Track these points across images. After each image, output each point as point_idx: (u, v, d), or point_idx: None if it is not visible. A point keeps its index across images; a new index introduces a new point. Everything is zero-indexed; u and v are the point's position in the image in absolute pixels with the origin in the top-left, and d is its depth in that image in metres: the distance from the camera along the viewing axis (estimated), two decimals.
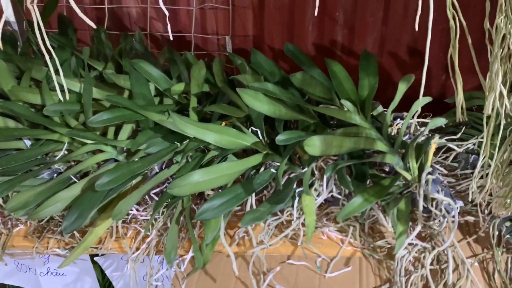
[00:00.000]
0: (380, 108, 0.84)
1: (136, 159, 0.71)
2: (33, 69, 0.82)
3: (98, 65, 0.90)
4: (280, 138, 0.66)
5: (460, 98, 0.49)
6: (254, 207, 0.69)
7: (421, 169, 0.67)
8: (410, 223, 0.65)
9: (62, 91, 0.80)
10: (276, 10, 1.12)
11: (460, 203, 0.67)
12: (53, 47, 0.89)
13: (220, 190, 0.69)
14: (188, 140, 0.73)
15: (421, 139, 0.78)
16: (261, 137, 0.73)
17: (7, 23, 0.93)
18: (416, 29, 0.45)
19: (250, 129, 0.73)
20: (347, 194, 0.70)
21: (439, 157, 0.79)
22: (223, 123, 0.75)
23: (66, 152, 0.76)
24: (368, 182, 0.70)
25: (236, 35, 1.17)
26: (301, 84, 0.76)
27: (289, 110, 0.72)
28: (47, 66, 0.86)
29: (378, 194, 0.64)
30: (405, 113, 0.87)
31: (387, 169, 0.75)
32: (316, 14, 0.61)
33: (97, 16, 1.21)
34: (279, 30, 1.15)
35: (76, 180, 0.71)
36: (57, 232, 0.73)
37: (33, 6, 0.53)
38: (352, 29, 1.11)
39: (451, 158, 0.78)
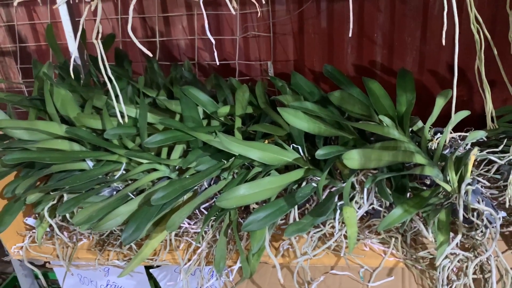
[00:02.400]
0: (420, 123, 0.86)
1: (187, 176, 0.77)
2: (94, 97, 0.91)
3: (152, 92, 0.98)
4: (320, 152, 0.70)
5: (489, 107, 0.51)
6: (297, 219, 0.72)
7: (460, 180, 0.68)
8: (452, 234, 0.67)
9: (121, 116, 0.89)
10: (316, 35, 1.17)
11: (502, 214, 0.68)
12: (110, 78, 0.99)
13: (264, 204, 0.73)
14: (233, 158, 0.78)
15: (461, 151, 0.80)
16: (302, 153, 0.77)
17: (69, 58, 1.03)
18: (443, 43, 0.48)
19: (291, 146, 0.78)
20: (388, 206, 0.72)
21: (481, 169, 0.80)
22: (266, 141, 0.80)
23: (124, 172, 0.83)
24: (408, 195, 0.72)
25: (278, 60, 1.23)
26: (340, 102, 0.80)
27: (328, 127, 0.75)
28: (106, 95, 0.95)
29: (418, 205, 0.66)
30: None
31: (428, 182, 0.76)
32: (350, 35, 0.64)
33: (149, 48, 1.30)
34: (319, 54, 1.20)
35: (133, 196, 0.78)
36: (116, 245, 0.79)
37: (98, 41, 0.61)
38: (391, 49, 1.14)
39: (493, 170, 0.78)
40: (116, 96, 0.93)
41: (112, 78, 0.65)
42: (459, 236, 0.63)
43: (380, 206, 0.71)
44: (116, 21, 1.28)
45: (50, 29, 1.04)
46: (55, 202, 0.80)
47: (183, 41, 1.28)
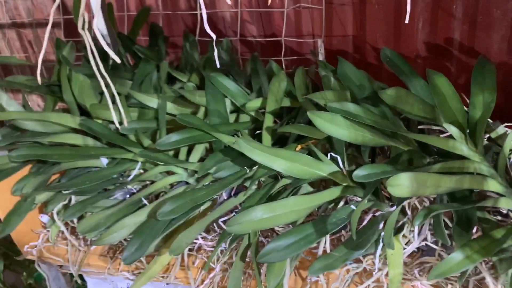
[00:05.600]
0: (501, 129, 0.67)
1: (203, 185, 0.66)
2: (116, 83, 0.81)
3: (184, 77, 0.87)
4: (359, 173, 0.55)
5: None
6: (328, 250, 0.59)
7: None
8: None
9: (142, 107, 0.79)
10: (380, 6, 0.98)
11: None
12: (139, 59, 0.89)
13: (291, 226, 0.61)
14: (257, 166, 0.65)
15: None
16: (341, 165, 0.62)
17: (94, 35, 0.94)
18: None
19: (329, 154, 0.63)
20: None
21: None
22: (298, 147, 0.66)
23: (142, 171, 0.74)
24: (475, 230, 0.55)
25: (334, 35, 1.06)
26: (395, 102, 0.63)
27: (376, 136, 0.60)
28: (132, 79, 0.85)
29: (486, 251, 0.50)
30: None
31: (504, 211, 0.59)
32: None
33: (193, 22, 1.19)
34: (383, 29, 1.00)
35: (146, 202, 0.69)
36: None
37: (85, 32, 0.50)
38: (473, 24, 0.92)
39: None
40: (140, 84, 0.84)
41: (107, 76, 0.54)
42: None
43: (436, 242, 0.56)
44: None
45: (77, 1, 0.95)
46: (66, 202, 0.74)
47: (228, 13, 1.14)
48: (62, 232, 0.77)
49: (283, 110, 0.77)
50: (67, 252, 0.75)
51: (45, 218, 0.78)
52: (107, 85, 0.57)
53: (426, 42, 0.98)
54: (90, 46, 0.52)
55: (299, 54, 1.10)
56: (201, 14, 1.10)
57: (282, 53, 1.03)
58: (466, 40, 0.94)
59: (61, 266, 0.78)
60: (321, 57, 0.98)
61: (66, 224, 0.75)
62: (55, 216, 0.73)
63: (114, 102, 0.78)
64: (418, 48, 0.99)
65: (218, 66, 0.53)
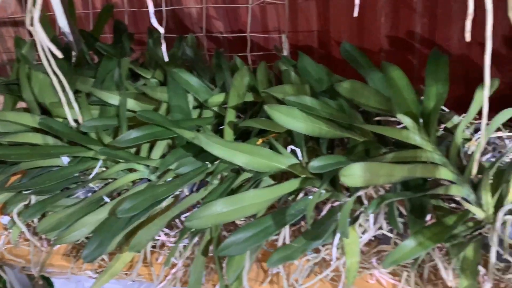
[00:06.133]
0: (456, 119, 0.69)
1: (164, 182, 0.66)
2: (78, 81, 0.81)
3: (147, 73, 0.86)
4: (314, 165, 0.56)
5: None
6: (288, 241, 0.60)
7: (498, 205, 0.52)
8: (484, 271, 0.52)
9: (103, 105, 0.79)
10: (343, 1, 0.99)
11: None
12: (102, 56, 0.88)
13: (252, 219, 0.61)
14: (219, 161, 0.65)
15: (507, 160, 0.62)
16: (300, 158, 0.63)
17: (61, 33, 0.93)
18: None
19: (289, 148, 0.64)
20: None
21: None
22: (259, 141, 0.66)
23: (104, 169, 0.74)
24: (430, 217, 0.57)
25: (299, 31, 1.07)
26: (351, 95, 0.64)
27: (332, 128, 0.61)
28: (95, 77, 0.84)
29: (437, 237, 0.51)
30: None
31: (458, 198, 0.60)
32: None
33: (160, 18, 1.18)
34: (347, 23, 1.02)
35: (108, 200, 0.68)
36: None
37: (34, 28, 0.50)
38: (433, 17, 0.94)
39: None
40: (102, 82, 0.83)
41: (59, 73, 0.53)
42: (488, 286, 0.48)
43: (391, 231, 0.57)
44: None
45: None
46: (27, 202, 0.72)
47: (194, 9, 1.14)
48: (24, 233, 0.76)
49: (247, 105, 0.77)
50: (29, 253, 0.74)
51: (5, 219, 0.76)
52: (61, 83, 0.56)
53: (388, 36, 1.00)
54: (41, 43, 0.51)
55: (266, 50, 1.10)
56: (166, 10, 1.10)
57: (248, 49, 1.03)
58: (427, 33, 0.96)
59: (24, 268, 0.77)
60: (285, 53, 0.98)
61: (27, 225, 0.74)
62: (15, 217, 0.71)
63: (76, 100, 0.77)
64: (382, 42, 1.01)
65: (166, 59, 0.53)
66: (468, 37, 0.35)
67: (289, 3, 1.01)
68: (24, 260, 0.73)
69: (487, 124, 0.61)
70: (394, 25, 0.98)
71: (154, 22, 0.42)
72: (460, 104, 0.69)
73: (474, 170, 0.50)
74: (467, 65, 0.94)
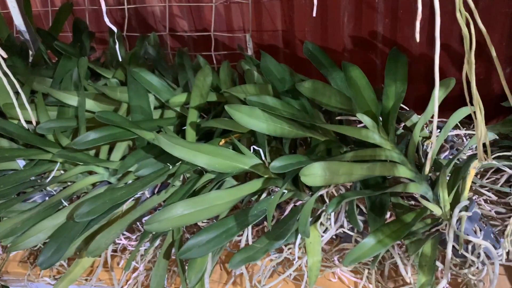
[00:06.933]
0: (415, 118, 0.70)
1: (123, 184, 0.64)
2: (34, 81, 0.78)
3: (108, 73, 0.84)
4: (276, 165, 0.56)
5: (480, 132, 0.35)
6: (251, 242, 0.59)
7: (455, 202, 0.53)
8: (442, 266, 0.53)
9: (62, 105, 0.76)
10: (306, 0, 1.00)
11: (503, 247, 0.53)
12: (60, 56, 0.86)
13: (215, 220, 0.61)
14: (180, 162, 0.64)
15: (463, 158, 0.64)
16: (263, 158, 0.63)
17: (18, 32, 0.90)
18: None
19: (252, 148, 0.64)
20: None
21: (487, 179, 0.64)
22: (222, 141, 0.66)
23: (62, 172, 0.71)
24: (389, 215, 0.58)
25: (264, 30, 1.06)
26: (312, 94, 0.64)
27: (294, 128, 0.61)
28: (53, 77, 0.82)
29: (396, 235, 0.52)
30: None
31: (417, 196, 0.62)
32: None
33: (122, 16, 1.15)
34: (311, 23, 1.02)
35: (67, 204, 0.66)
36: None
37: None
38: (395, 18, 0.95)
39: (502, 180, 0.62)
40: (61, 82, 0.81)
41: (9, 73, 0.51)
42: (444, 282, 0.49)
43: (352, 229, 0.58)
44: None
45: None
46: None
47: (158, 8, 1.12)
48: None
49: (211, 105, 0.76)
50: None
51: None
52: (12, 83, 0.54)
53: (352, 36, 1.01)
54: None
55: (231, 49, 1.09)
56: (128, 9, 1.07)
57: (212, 48, 1.02)
58: (388, 33, 0.98)
59: None
60: (250, 52, 0.98)
61: None
62: None
63: (32, 101, 0.75)
64: (345, 41, 1.02)
65: (120, 59, 0.52)
66: (417, 37, 0.35)
67: (254, 2, 1.01)
68: None
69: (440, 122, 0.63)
70: (357, 25, 0.99)
71: (107, 21, 0.40)
72: (422, 103, 0.71)
73: (427, 168, 0.51)
74: (428, 64, 0.96)
